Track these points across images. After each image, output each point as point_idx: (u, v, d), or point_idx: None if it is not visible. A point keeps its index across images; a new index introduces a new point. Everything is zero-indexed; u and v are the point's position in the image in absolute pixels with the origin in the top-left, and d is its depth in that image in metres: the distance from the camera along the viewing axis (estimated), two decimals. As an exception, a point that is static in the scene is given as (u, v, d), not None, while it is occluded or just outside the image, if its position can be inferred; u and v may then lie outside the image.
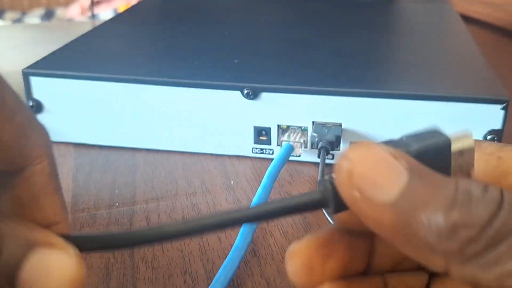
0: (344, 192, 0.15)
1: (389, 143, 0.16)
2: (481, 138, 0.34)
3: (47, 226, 0.18)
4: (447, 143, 0.16)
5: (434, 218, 0.14)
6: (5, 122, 0.17)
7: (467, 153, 0.16)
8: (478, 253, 0.13)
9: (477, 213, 0.13)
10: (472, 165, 0.17)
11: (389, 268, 0.19)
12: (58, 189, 0.19)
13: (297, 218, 0.31)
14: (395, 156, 0.15)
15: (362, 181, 0.15)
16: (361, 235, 0.18)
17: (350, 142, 0.36)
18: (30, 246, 0.16)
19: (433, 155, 0.16)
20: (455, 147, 0.16)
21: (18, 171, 0.18)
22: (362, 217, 0.15)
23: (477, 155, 0.17)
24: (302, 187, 0.35)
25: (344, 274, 0.18)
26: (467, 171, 0.17)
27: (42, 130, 0.18)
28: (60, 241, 0.16)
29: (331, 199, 0.16)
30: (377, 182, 0.15)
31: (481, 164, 0.18)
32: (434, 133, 0.16)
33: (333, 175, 0.16)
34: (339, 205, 0.16)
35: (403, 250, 0.15)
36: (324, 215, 0.31)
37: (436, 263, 0.14)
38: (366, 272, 0.19)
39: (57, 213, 0.18)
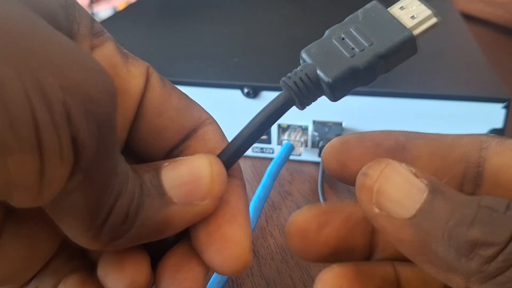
0: (365, 207, 0.15)
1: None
2: (482, 137, 0.34)
3: None
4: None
5: (453, 236, 0.13)
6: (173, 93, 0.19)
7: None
8: (499, 271, 0.13)
9: (498, 232, 0.13)
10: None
11: (395, 256, 0.19)
12: None
13: (297, 218, 0.31)
14: (415, 174, 0.15)
15: (381, 197, 0.15)
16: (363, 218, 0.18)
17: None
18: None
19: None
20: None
21: (191, 133, 0.20)
22: (384, 233, 0.15)
23: (500, 149, 0.17)
24: (303, 186, 0.34)
25: (342, 248, 0.18)
26: None
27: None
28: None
29: (296, 96, 0.18)
30: (396, 198, 0.14)
31: (507, 162, 0.17)
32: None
33: (292, 72, 0.19)
34: (305, 101, 0.18)
35: (424, 268, 0.14)
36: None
37: (456, 282, 0.14)
38: (371, 259, 0.19)
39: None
